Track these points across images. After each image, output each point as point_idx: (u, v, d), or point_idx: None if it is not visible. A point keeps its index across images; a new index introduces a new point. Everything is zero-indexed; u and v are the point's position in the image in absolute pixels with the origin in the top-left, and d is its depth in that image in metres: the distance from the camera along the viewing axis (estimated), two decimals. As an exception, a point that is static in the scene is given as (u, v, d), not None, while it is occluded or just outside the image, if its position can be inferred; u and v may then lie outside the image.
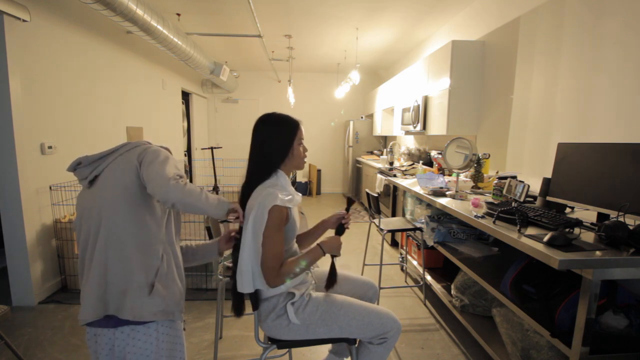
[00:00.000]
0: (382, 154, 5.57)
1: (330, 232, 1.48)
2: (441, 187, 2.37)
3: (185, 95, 5.90)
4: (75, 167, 1.13)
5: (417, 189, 2.54)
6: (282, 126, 1.24)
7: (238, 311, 1.23)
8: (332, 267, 1.32)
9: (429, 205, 2.60)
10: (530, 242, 1.28)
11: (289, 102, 6.29)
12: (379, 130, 5.79)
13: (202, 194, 1.07)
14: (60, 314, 2.33)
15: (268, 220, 1.11)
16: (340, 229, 1.34)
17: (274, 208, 1.11)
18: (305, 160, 1.31)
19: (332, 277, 1.31)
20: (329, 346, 1.59)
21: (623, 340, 1.28)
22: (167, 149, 1.19)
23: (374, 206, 2.58)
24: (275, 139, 1.22)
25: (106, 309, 1.01)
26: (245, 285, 1.16)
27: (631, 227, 1.19)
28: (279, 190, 1.15)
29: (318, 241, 1.26)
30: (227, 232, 1.35)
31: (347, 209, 1.37)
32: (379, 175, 4.12)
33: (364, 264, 2.93)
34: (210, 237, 1.80)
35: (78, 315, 1.03)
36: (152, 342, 1.04)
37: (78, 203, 1.13)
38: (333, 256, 1.29)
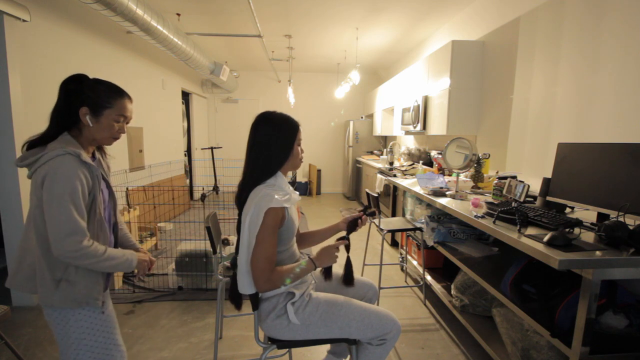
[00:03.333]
0: (382, 154, 5.57)
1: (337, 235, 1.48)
2: (441, 187, 2.37)
3: (185, 95, 5.90)
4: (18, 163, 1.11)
5: (417, 189, 2.54)
6: (283, 127, 1.23)
7: (237, 305, 1.26)
8: (348, 264, 1.31)
9: (429, 205, 2.60)
10: (530, 242, 1.28)
11: (289, 102, 6.30)
12: (379, 130, 5.79)
13: (102, 257, 1.05)
14: (60, 314, 2.33)
15: (263, 222, 1.11)
16: (352, 227, 1.36)
17: (270, 210, 1.11)
18: (302, 160, 1.31)
19: (347, 276, 1.32)
20: (328, 346, 1.59)
21: (623, 340, 1.28)
22: (74, 154, 1.04)
23: (374, 206, 2.58)
24: (276, 141, 1.21)
25: (28, 288, 1.10)
26: (245, 287, 1.16)
27: (631, 227, 1.19)
28: (276, 191, 1.15)
29: (313, 256, 1.26)
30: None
31: (366, 214, 1.38)
32: (379, 175, 4.12)
33: (364, 264, 2.93)
34: (210, 236, 1.80)
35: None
36: (62, 325, 1.10)
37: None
38: (348, 251, 1.30)
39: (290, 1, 3.35)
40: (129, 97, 1.20)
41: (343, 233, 1.37)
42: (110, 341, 1.17)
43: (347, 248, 1.31)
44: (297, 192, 1.31)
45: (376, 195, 2.55)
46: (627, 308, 1.34)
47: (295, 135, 1.24)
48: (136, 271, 1.20)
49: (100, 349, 1.13)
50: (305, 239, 1.48)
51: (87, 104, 1.10)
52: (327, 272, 1.32)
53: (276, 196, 1.13)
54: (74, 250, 1.00)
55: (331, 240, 1.31)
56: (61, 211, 0.99)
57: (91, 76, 1.21)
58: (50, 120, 1.13)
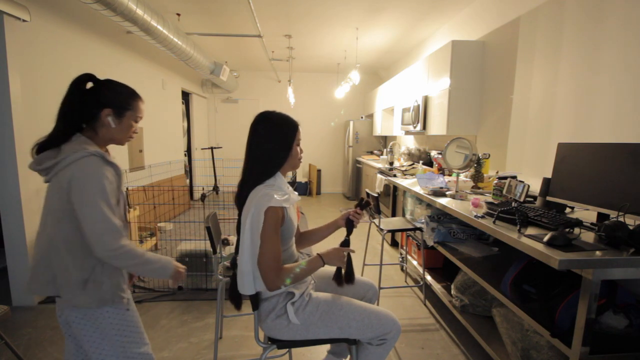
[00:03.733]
0: (382, 154, 5.57)
1: (341, 233, 1.48)
2: (441, 187, 2.37)
3: (185, 95, 5.90)
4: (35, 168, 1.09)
5: (417, 189, 2.54)
6: (283, 128, 1.23)
7: (237, 305, 1.26)
8: (349, 262, 1.31)
9: (429, 205, 2.60)
10: (530, 242, 1.28)
11: (289, 102, 6.30)
12: (379, 130, 5.79)
13: (141, 259, 1.07)
14: (60, 314, 2.33)
15: (264, 221, 1.11)
16: (350, 226, 1.35)
17: (269, 209, 1.11)
18: (301, 160, 1.31)
19: (348, 275, 1.31)
20: (328, 346, 1.59)
21: (623, 340, 1.28)
22: (99, 155, 1.05)
23: (374, 206, 2.58)
24: (275, 141, 1.21)
25: (49, 291, 1.07)
26: (246, 287, 1.16)
27: (631, 227, 1.19)
28: (275, 191, 1.15)
29: (320, 251, 1.26)
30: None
31: (360, 206, 1.37)
32: (379, 175, 4.12)
33: (364, 264, 2.93)
34: (210, 236, 1.80)
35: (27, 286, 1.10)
36: (90, 325, 1.09)
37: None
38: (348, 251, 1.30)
39: (290, 1, 3.35)
40: (142, 99, 1.23)
41: (344, 230, 1.37)
42: (138, 337, 1.17)
43: (347, 243, 1.32)
44: (296, 193, 1.31)
45: (376, 195, 2.55)
46: (627, 308, 1.34)
47: (294, 135, 1.24)
48: (170, 281, 1.20)
49: (129, 345, 1.14)
50: (306, 238, 1.48)
51: (110, 105, 1.11)
52: (347, 279, 1.31)
53: (275, 196, 1.13)
54: (114, 248, 1.01)
55: (332, 239, 1.31)
56: (96, 211, 0.99)
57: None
58: (59, 120, 1.09)
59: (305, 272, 1.20)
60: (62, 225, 1.04)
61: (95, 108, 1.10)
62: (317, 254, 1.24)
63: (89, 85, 1.14)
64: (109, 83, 1.16)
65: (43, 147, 1.08)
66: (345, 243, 1.31)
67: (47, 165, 1.04)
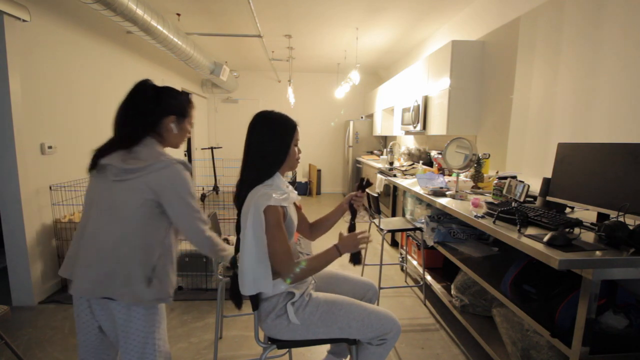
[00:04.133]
0: (382, 154, 5.57)
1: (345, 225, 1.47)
2: (441, 187, 2.36)
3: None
4: (96, 165, 1.14)
5: (417, 189, 2.54)
6: (281, 128, 1.23)
7: (238, 305, 1.26)
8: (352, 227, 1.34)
9: (429, 205, 2.60)
10: (530, 242, 1.28)
11: (289, 102, 6.29)
12: (379, 130, 5.79)
13: (221, 245, 1.25)
14: (60, 314, 2.33)
15: (266, 221, 1.11)
16: (353, 210, 1.38)
17: (269, 208, 1.11)
18: (299, 160, 1.31)
19: (355, 256, 1.32)
20: (328, 346, 1.59)
21: (623, 340, 1.28)
22: (184, 163, 1.17)
23: (374, 206, 2.58)
24: (273, 141, 1.21)
25: (105, 293, 1.07)
26: (246, 287, 1.16)
27: (631, 227, 1.19)
28: (274, 190, 1.16)
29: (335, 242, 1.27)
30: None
31: (361, 188, 1.38)
32: (379, 175, 4.11)
33: (364, 264, 2.93)
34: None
35: (70, 290, 1.09)
36: (144, 321, 1.13)
37: (93, 188, 1.15)
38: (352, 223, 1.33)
39: (290, 1, 3.35)
40: (194, 105, 1.32)
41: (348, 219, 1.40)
42: (165, 334, 1.22)
43: (353, 227, 1.34)
44: (296, 192, 1.31)
45: (376, 195, 2.55)
46: (627, 308, 1.34)
47: (292, 135, 1.24)
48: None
49: (162, 342, 1.18)
50: (317, 228, 1.49)
51: (174, 113, 1.20)
52: (356, 259, 1.33)
53: (274, 195, 1.13)
54: (208, 237, 1.18)
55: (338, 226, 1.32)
56: (191, 209, 1.14)
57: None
58: (124, 124, 1.16)
59: (321, 264, 1.21)
60: (133, 224, 1.09)
61: (160, 115, 1.18)
62: (334, 245, 1.24)
63: (150, 92, 1.19)
64: (170, 91, 1.23)
65: (108, 149, 1.13)
66: (352, 227, 1.34)
67: (132, 166, 1.08)
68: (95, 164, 1.13)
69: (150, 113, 1.16)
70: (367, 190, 1.43)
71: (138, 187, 1.08)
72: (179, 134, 1.24)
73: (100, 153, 1.13)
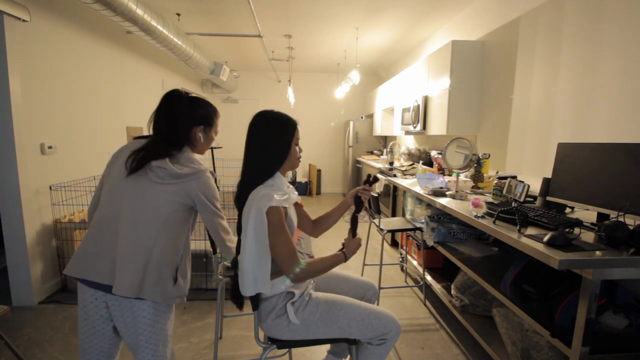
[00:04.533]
0: (382, 154, 5.57)
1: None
2: (441, 187, 2.36)
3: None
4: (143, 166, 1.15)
5: (417, 189, 2.54)
6: (281, 127, 1.23)
7: (239, 305, 1.27)
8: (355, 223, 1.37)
9: (429, 205, 2.60)
10: (530, 242, 1.28)
11: (289, 102, 6.29)
12: (379, 130, 5.79)
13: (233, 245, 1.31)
14: (60, 314, 2.33)
15: (269, 222, 1.11)
16: (359, 203, 1.40)
17: (271, 209, 1.11)
18: (300, 160, 1.31)
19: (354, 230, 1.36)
20: (328, 346, 1.59)
21: (623, 340, 1.28)
22: (212, 172, 1.25)
23: (374, 206, 2.58)
24: (274, 141, 1.21)
25: (141, 293, 1.10)
26: (246, 288, 1.16)
27: (631, 227, 1.19)
28: (275, 191, 1.15)
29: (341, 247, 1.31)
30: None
31: (368, 182, 1.41)
32: (379, 175, 4.11)
33: (364, 264, 2.93)
34: (210, 236, 1.80)
35: (114, 290, 1.08)
36: (164, 319, 1.20)
37: (124, 187, 1.14)
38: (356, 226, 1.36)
39: (290, 1, 3.35)
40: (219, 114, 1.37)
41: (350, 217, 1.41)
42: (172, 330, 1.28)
43: (356, 219, 1.38)
44: (296, 192, 1.31)
45: (376, 195, 2.55)
46: (627, 308, 1.34)
47: (292, 134, 1.23)
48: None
49: (171, 339, 1.24)
50: (321, 224, 1.50)
51: (202, 123, 1.26)
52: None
53: (275, 196, 1.13)
54: (230, 239, 1.29)
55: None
56: (221, 215, 1.25)
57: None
58: (161, 132, 1.20)
59: (326, 268, 1.24)
60: (167, 226, 1.14)
61: (191, 124, 1.24)
62: (342, 251, 1.28)
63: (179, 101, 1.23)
64: (200, 101, 1.28)
65: (158, 153, 1.16)
66: (355, 219, 1.37)
67: (180, 172, 1.14)
68: (142, 165, 1.13)
69: (187, 121, 1.22)
70: (373, 185, 1.45)
71: (177, 192, 1.14)
72: (205, 143, 1.31)
73: (149, 155, 1.14)
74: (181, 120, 1.21)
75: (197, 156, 1.30)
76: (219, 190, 1.34)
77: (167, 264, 1.14)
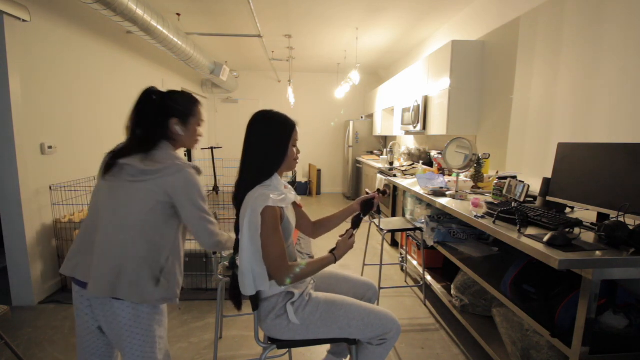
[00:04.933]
0: (382, 154, 5.57)
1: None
2: (441, 187, 2.36)
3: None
4: (114, 165, 1.14)
5: (417, 189, 2.54)
6: (278, 128, 1.22)
7: (238, 305, 1.26)
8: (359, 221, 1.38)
9: (429, 205, 2.60)
10: (530, 242, 1.28)
11: (289, 102, 6.29)
12: (379, 130, 5.79)
13: (229, 243, 1.27)
14: (60, 314, 2.33)
15: (263, 222, 1.10)
16: (368, 207, 1.42)
17: (266, 209, 1.10)
18: (298, 161, 1.30)
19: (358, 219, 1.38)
20: (328, 346, 1.59)
21: (623, 340, 1.28)
22: (196, 168, 1.21)
23: (374, 206, 2.57)
24: (271, 141, 1.21)
25: (114, 293, 1.07)
26: (246, 287, 1.16)
27: (631, 227, 1.19)
28: (272, 191, 1.15)
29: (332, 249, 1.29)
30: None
31: (380, 192, 1.44)
32: (379, 175, 4.11)
33: (364, 264, 2.93)
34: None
35: (88, 288, 1.08)
36: (148, 322, 1.15)
37: (103, 189, 1.15)
38: (358, 227, 1.35)
39: (290, 1, 3.35)
40: (200, 103, 1.33)
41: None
42: (166, 333, 1.25)
43: (359, 221, 1.38)
44: (294, 193, 1.31)
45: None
46: (627, 308, 1.34)
47: (290, 135, 1.23)
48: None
49: (163, 341, 1.22)
50: (322, 225, 1.49)
51: (176, 115, 1.23)
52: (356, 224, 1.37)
53: (271, 196, 1.12)
54: (217, 234, 1.22)
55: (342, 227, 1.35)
56: (205, 210, 1.19)
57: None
58: (136, 129, 1.19)
59: (315, 269, 1.22)
60: (144, 225, 1.11)
61: (164, 118, 1.21)
62: (333, 253, 1.25)
63: (154, 97, 1.22)
64: (171, 94, 1.25)
65: (127, 151, 1.15)
66: (358, 219, 1.38)
67: (149, 168, 1.11)
68: (113, 165, 1.13)
69: (157, 117, 1.20)
70: (380, 195, 1.48)
71: (152, 189, 1.11)
72: (187, 135, 1.26)
73: (119, 154, 1.14)
74: (151, 117, 1.19)
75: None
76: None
77: (147, 264, 1.11)
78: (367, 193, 1.47)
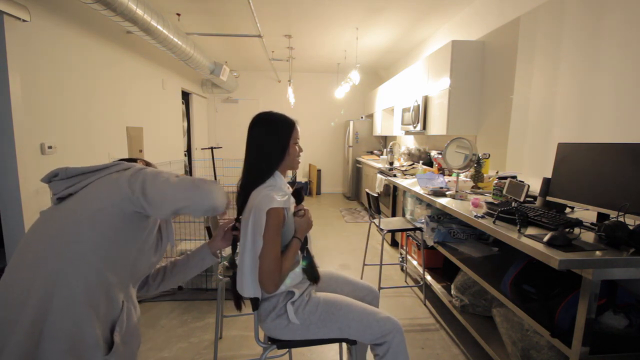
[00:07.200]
0: (382, 154, 5.57)
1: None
2: (441, 187, 2.36)
3: (185, 95, 5.90)
4: (51, 178, 0.95)
5: (417, 189, 2.54)
6: (278, 127, 1.23)
7: (238, 305, 1.25)
8: (309, 260, 1.28)
9: (429, 205, 2.60)
10: (530, 242, 1.28)
11: (289, 102, 6.29)
12: (379, 130, 5.79)
13: (213, 185, 0.97)
14: (60, 314, 2.32)
15: (266, 223, 1.10)
16: (299, 196, 1.30)
17: (271, 210, 1.11)
18: (300, 160, 1.30)
19: (313, 273, 1.28)
20: (329, 347, 1.59)
21: (623, 340, 1.28)
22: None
23: (374, 206, 2.58)
24: (271, 140, 1.22)
25: None
26: (245, 289, 1.15)
27: (631, 227, 1.19)
28: (276, 192, 1.15)
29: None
30: (222, 229, 1.25)
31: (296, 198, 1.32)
32: (379, 175, 4.11)
33: (364, 264, 2.93)
34: (210, 236, 1.80)
35: None
36: None
37: (33, 226, 0.90)
38: (304, 249, 1.27)
39: (290, 1, 3.35)
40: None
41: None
42: None
43: (301, 197, 1.30)
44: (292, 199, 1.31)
45: (376, 195, 2.55)
46: (627, 308, 1.34)
47: (290, 133, 1.24)
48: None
49: None
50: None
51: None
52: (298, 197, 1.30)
53: (276, 197, 1.13)
54: (188, 184, 1.03)
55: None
56: (168, 177, 0.99)
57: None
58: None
59: (290, 259, 1.18)
60: (102, 248, 0.87)
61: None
62: (296, 237, 1.22)
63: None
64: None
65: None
66: (299, 195, 1.29)
67: (74, 172, 1.06)
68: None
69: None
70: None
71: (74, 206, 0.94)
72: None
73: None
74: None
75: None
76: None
77: (87, 320, 0.78)
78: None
